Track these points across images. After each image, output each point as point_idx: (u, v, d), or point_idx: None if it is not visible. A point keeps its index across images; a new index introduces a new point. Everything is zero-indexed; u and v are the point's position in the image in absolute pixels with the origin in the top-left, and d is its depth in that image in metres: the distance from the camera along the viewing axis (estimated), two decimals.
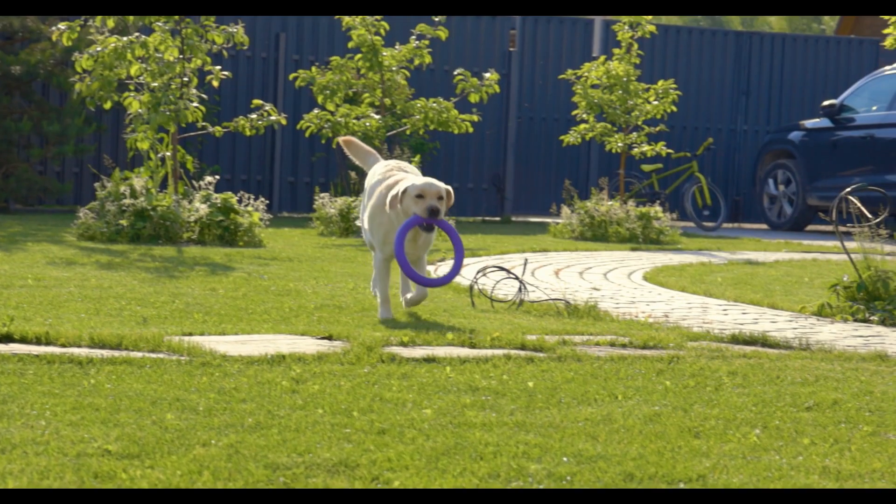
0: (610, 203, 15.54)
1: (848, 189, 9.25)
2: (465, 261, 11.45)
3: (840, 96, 19.42)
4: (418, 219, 7.26)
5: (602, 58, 16.52)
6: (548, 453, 4.40)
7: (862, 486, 4.16)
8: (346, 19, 14.96)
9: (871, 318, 8.41)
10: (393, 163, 7.92)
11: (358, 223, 7.12)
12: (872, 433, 4.96)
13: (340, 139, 8.46)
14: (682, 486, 4.09)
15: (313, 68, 15.20)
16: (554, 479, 4.08)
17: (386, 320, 7.28)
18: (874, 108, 18.66)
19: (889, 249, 9.20)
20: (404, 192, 7.34)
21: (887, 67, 18.98)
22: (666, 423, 4.98)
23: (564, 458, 4.34)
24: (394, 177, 7.62)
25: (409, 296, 7.66)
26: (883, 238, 9.17)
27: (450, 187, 7.46)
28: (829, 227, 16.97)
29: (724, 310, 8.78)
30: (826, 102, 19.19)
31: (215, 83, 13.21)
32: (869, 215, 9.38)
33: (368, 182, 7.85)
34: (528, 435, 4.66)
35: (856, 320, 8.42)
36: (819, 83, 21.89)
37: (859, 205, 9.44)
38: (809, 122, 19.54)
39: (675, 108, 16.60)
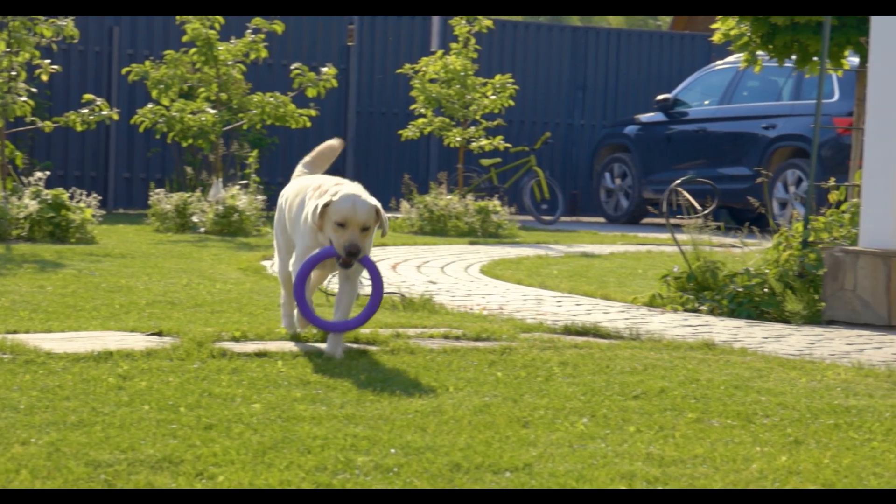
0: (449, 197, 15.59)
1: (677, 181, 9.42)
2: None
3: (673, 91, 19.75)
4: (331, 251, 5.94)
5: (440, 52, 16.58)
6: (376, 445, 4.39)
7: (684, 472, 4.22)
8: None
9: (701, 307, 8.56)
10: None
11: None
12: (697, 420, 5.04)
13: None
14: (508, 475, 4.11)
15: (147, 62, 14.99)
16: (381, 471, 4.07)
17: (291, 329, 6.58)
18: (706, 102, 19.02)
19: (718, 240, 9.37)
20: (325, 207, 5.94)
21: (719, 62, 19.35)
22: (495, 413, 5.00)
23: (392, 450, 4.33)
24: (315, 184, 6.24)
25: (326, 348, 6.11)
26: (712, 229, 9.35)
27: (378, 205, 6.01)
28: (678, 222, 17.30)
29: (559, 301, 8.87)
30: (660, 97, 19.51)
31: (45, 77, 12.95)
32: (698, 207, 9.55)
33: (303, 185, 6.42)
34: (358, 427, 4.65)
35: (685, 310, 8.57)
36: (654, 78, 22.23)
37: (689, 197, 9.61)
38: (644, 117, 19.84)
39: (512, 103, 16.71)
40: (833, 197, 9.07)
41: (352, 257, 5.85)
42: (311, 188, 6.22)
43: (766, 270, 8.60)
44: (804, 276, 8.43)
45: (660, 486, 4.03)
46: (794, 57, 11.05)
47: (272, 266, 6.92)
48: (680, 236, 9.21)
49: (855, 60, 11.70)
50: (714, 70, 19.22)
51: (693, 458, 4.42)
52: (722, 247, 9.38)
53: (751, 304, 8.39)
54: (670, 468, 4.26)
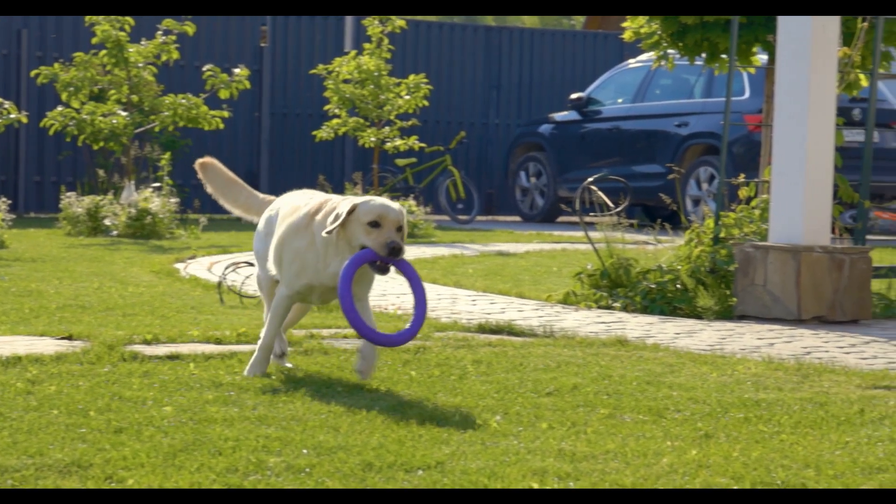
0: None
1: (589, 179, 9.47)
2: (217, 257, 11.32)
3: (587, 89, 19.86)
4: (371, 255, 5.32)
5: (353, 52, 16.54)
6: (288, 446, 4.38)
7: (595, 467, 4.24)
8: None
9: (614, 304, 8.61)
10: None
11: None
12: (609, 415, 5.07)
13: (199, 163, 6.35)
14: (420, 473, 4.11)
15: (56, 65, 14.82)
16: (293, 472, 4.06)
17: (259, 376, 5.59)
18: (620, 100, 19.14)
19: (631, 238, 9.43)
20: (350, 213, 5.39)
21: (631, 61, 19.48)
22: (409, 412, 5.00)
23: (304, 451, 4.32)
24: (319, 199, 5.69)
25: (358, 364, 5.54)
26: (625, 227, 9.41)
27: (403, 208, 5.59)
28: (592, 220, 17.41)
29: (473, 300, 8.88)
30: (573, 95, 19.60)
31: None
32: (611, 204, 9.61)
33: (276, 211, 5.91)
34: (270, 429, 4.63)
35: (599, 307, 8.62)
36: (568, 77, 22.33)
37: (601, 194, 9.66)
38: (559, 115, 19.93)
39: (427, 103, 16.71)
40: (743, 193, 9.15)
41: (395, 255, 5.31)
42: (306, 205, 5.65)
43: (679, 267, 8.66)
44: (716, 272, 8.51)
45: (571, 482, 4.04)
46: (704, 55, 11.14)
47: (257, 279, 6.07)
48: (594, 234, 9.26)
49: (764, 58, 11.82)
50: (627, 69, 19.35)
51: (605, 453, 4.44)
52: (636, 244, 9.44)
53: (663, 300, 8.45)
54: (582, 464, 4.28)
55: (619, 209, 9.48)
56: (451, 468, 4.17)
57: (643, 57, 18.57)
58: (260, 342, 5.68)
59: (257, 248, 5.98)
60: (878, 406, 5.37)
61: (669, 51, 11.18)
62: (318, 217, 5.56)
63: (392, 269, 5.45)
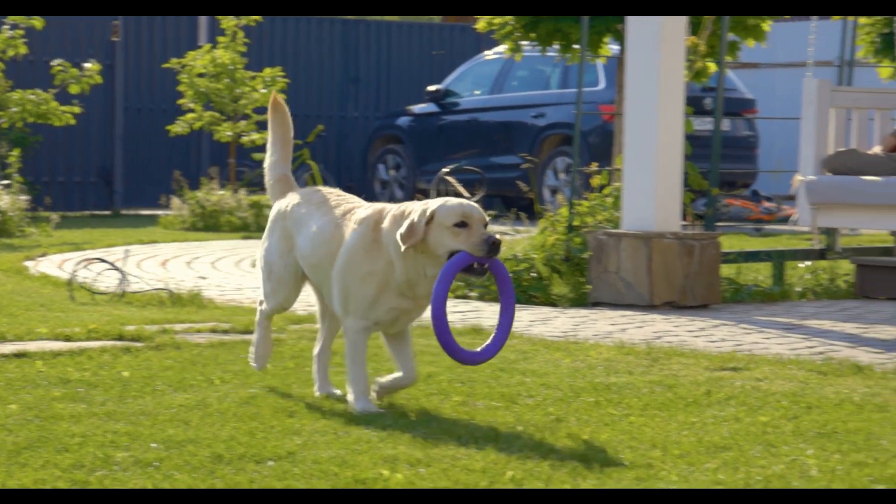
0: (221, 193, 15.44)
1: (444, 170, 9.51)
2: (69, 255, 11.14)
3: (444, 81, 19.92)
4: (467, 258, 4.73)
5: (207, 46, 16.40)
6: (137, 441, 4.33)
7: (447, 453, 4.26)
8: None
9: (470, 294, 8.65)
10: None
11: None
12: (462, 403, 5.10)
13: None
14: (271, 463, 4.09)
15: None
16: (141, 466, 4.01)
17: (368, 412, 4.89)
18: (477, 92, 19.22)
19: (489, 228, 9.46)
20: (431, 218, 4.78)
21: (488, 52, 19.58)
22: (261, 404, 4.98)
23: (153, 445, 4.27)
24: (349, 203, 5.13)
25: (390, 379, 5.09)
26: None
27: None
28: None
29: None
30: (431, 88, 19.64)
31: None
32: (467, 194, 9.66)
33: (289, 213, 5.25)
34: (119, 424, 4.57)
35: (455, 297, 8.65)
36: (426, 69, 22.37)
37: (457, 185, 9.71)
38: (417, 108, 19.96)
39: (284, 96, 16.58)
40: (596, 181, 9.25)
41: (495, 252, 4.73)
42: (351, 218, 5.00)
43: (534, 255, 8.73)
44: (570, 260, 8.59)
45: (422, 468, 4.05)
46: (557, 45, 11.25)
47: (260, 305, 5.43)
48: None
49: (616, 48, 11.96)
50: (484, 60, 19.44)
51: (456, 439, 4.46)
52: (502, 234, 9.48)
53: (519, 288, 8.50)
54: (433, 450, 4.30)
55: (475, 199, 9.53)
56: (302, 458, 4.15)
57: (499, 48, 18.66)
58: (353, 392, 4.93)
59: (274, 262, 5.26)
60: (725, 387, 5.47)
61: (522, 42, 11.27)
62: (386, 227, 4.87)
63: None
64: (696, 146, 10.22)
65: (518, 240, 9.31)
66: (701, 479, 3.97)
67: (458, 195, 9.55)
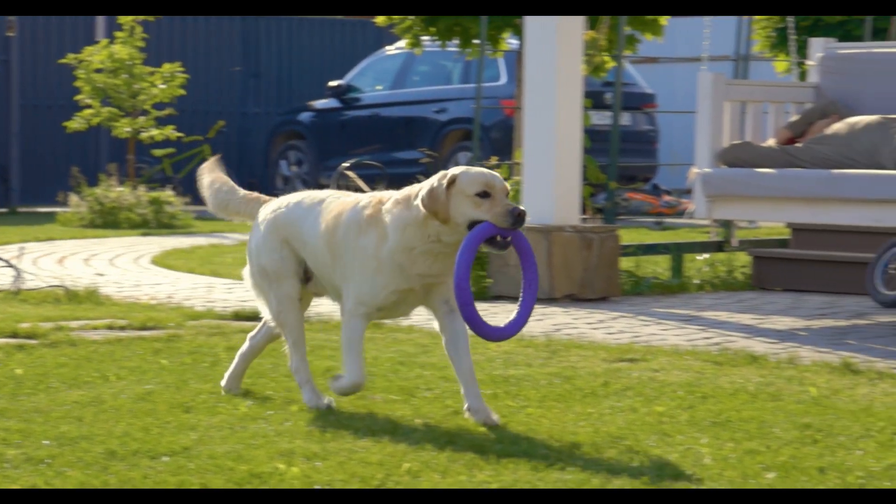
0: (120, 189, 15.28)
1: (344, 165, 9.48)
2: None
3: (346, 76, 19.87)
4: (491, 228, 4.48)
5: (105, 41, 16.22)
6: (29, 438, 4.27)
7: (343, 446, 4.25)
8: None
9: None
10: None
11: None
12: (360, 396, 5.08)
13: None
14: (165, 459, 4.06)
15: None
16: (32, 463, 3.96)
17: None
18: (379, 87, 19.20)
19: None
20: (451, 183, 4.52)
21: (389, 47, 19.55)
22: (157, 400, 4.94)
23: (45, 441, 4.22)
24: (348, 194, 4.88)
25: (471, 404, 4.67)
26: None
27: None
28: None
29: (230, 289, 8.81)
30: (332, 83, 19.59)
31: None
32: (366, 189, 9.64)
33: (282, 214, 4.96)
34: (10, 421, 4.51)
35: None
36: (328, 64, 22.30)
37: (358, 179, 9.70)
38: (319, 103, 19.88)
39: (184, 92, 16.48)
40: None
41: (520, 223, 4.46)
42: (351, 203, 4.76)
43: None
44: None
45: (319, 462, 4.04)
46: (457, 40, 11.26)
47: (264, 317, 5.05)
48: None
49: (516, 42, 12.00)
50: (385, 55, 19.42)
51: (353, 432, 4.45)
52: None
53: None
54: (330, 444, 4.29)
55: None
56: (197, 453, 4.12)
57: (401, 43, 18.65)
58: (346, 384, 4.68)
59: (265, 265, 4.92)
60: (622, 378, 5.51)
61: (423, 36, 11.28)
62: (389, 205, 4.62)
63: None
64: (597, 140, 10.27)
65: None
66: (596, 469, 4.00)
67: (359, 191, 9.53)
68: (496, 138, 17.06)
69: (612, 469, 3.99)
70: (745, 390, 5.28)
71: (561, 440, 4.37)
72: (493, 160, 9.46)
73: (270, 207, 5.04)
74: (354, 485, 3.80)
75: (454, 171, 4.56)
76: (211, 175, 5.32)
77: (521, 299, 4.67)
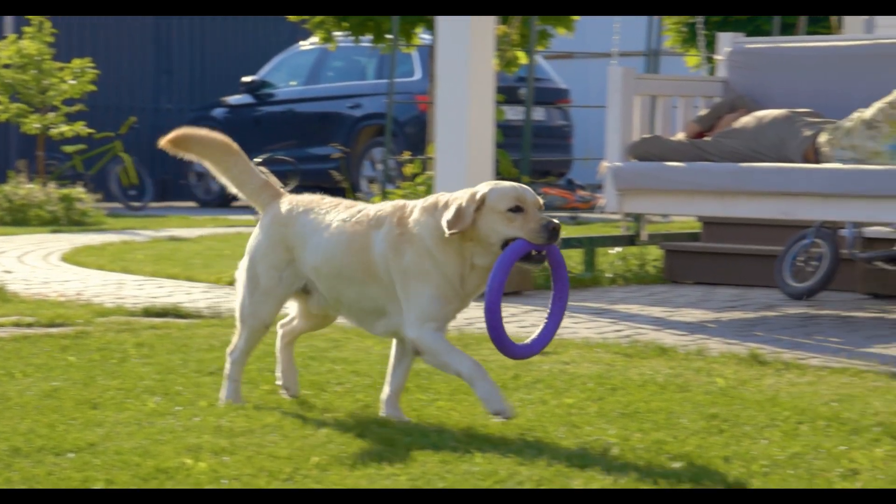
0: (30, 186, 15.10)
1: (256, 160, 9.42)
2: None
3: (260, 72, 19.77)
4: (525, 246, 4.36)
5: (13, 36, 16.02)
6: None
7: (251, 441, 4.22)
8: None
9: None
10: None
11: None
12: (270, 391, 5.07)
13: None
14: (70, 455, 4.01)
15: None
16: None
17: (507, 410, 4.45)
18: (293, 82, 19.13)
19: None
20: (481, 203, 4.39)
21: (303, 42, 19.49)
22: (64, 397, 4.88)
23: None
24: (357, 205, 4.71)
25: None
26: None
27: None
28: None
29: (140, 285, 8.74)
30: (246, 78, 19.49)
31: None
32: (280, 184, 9.60)
33: (299, 215, 4.79)
34: None
35: None
36: (241, 60, 22.19)
37: (269, 175, 9.63)
38: (232, 99, 19.77)
39: (94, 88, 16.33)
40: (408, 170, 9.28)
41: (555, 237, 4.34)
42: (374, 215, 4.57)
43: None
44: None
45: (226, 457, 4.02)
46: (370, 35, 11.25)
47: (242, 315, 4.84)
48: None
49: (430, 38, 12.00)
50: (299, 51, 19.35)
51: (262, 427, 4.43)
52: None
53: None
54: (239, 438, 4.26)
55: (288, 190, 9.48)
56: (103, 449, 4.09)
57: (315, 38, 18.60)
58: (469, 377, 4.41)
59: (260, 277, 4.74)
60: (533, 371, 5.53)
61: (336, 32, 11.25)
62: (417, 216, 4.47)
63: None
64: (511, 135, 10.32)
65: None
66: (505, 460, 4.01)
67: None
68: (411, 133, 17.07)
69: (521, 461, 4.00)
70: (654, 382, 5.32)
71: (470, 433, 4.37)
72: (406, 154, 9.46)
73: (280, 212, 4.83)
74: (262, 479, 3.78)
75: (483, 189, 4.40)
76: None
77: (549, 312, 4.50)
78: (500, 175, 9.06)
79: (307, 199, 4.83)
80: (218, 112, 19.70)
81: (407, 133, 17.06)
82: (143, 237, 13.02)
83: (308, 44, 19.15)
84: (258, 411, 4.69)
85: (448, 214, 4.36)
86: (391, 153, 9.04)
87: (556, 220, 4.33)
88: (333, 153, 17.61)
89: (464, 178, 8.35)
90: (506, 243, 4.37)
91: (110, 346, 6.04)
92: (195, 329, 6.59)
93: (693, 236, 9.43)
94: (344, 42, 13.58)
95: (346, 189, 11.16)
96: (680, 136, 7.72)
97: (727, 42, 8.12)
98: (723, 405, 4.87)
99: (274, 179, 5.08)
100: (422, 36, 11.49)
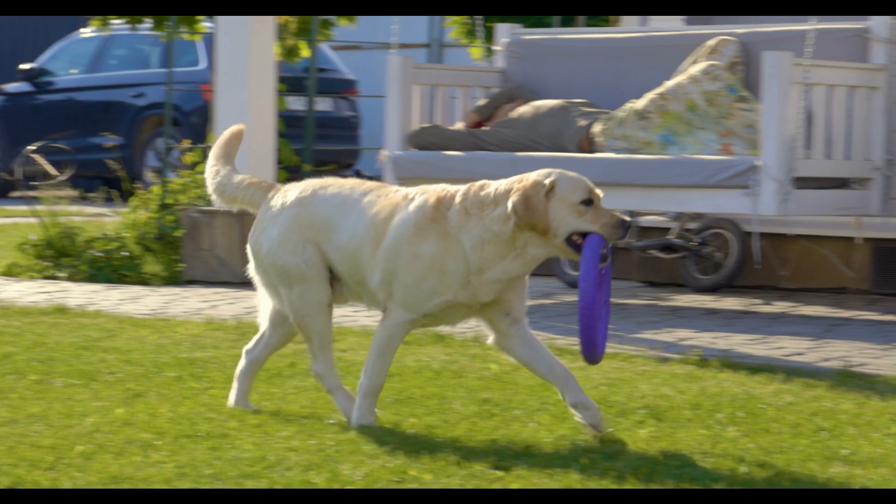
0: None
1: (29, 148, 9.23)
2: None
3: (39, 59, 19.32)
4: (602, 241, 4.11)
5: None
6: None
7: (15, 431, 4.13)
8: None
9: (59, 274, 8.44)
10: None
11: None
12: (38, 381, 4.97)
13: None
14: None
15: None
16: None
17: (369, 426, 4.27)
18: (74, 71, 18.73)
19: (91, 210, 9.29)
20: (550, 190, 4.10)
21: (84, 30, 19.10)
22: None
23: None
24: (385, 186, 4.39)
25: (588, 419, 4.25)
26: (71, 197, 9.25)
27: None
28: (36, 193, 16.95)
29: None
30: (23, 66, 19.01)
31: None
32: (55, 173, 9.41)
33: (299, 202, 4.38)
34: None
35: (43, 277, 8.42)
36: (18, 46, 21.66)
37: (45, 163, 9.44)
38: (10, 87, 19.26)
39: None
40: (189, 159, 9.18)
41: (627, 233, 4.14)
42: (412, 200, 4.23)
43: (126, 234, 8.60)
44: (163, 238, 8.49)
45: None
46: (149, 22, 11.05)
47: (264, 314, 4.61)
48: (40, 206, 9.08)
49: (211, 25, 11.87)
50: (80, 38, 18.96)
51: (27, 416, 4.34)
52: (93, 216, 9.31)
53: (110, 268, 8.35)
54: (3, 428, 4.16)
55: (61, 178, 9.30)
56: None
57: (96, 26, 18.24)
58: (364, 386, 4.26)
59: (285, 266, 4.37)
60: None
61: (112, 19, 11.03)
62: (458, 205, 4.16)
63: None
64: (297, 126, 10.26)
65: (114, 220, 9.15)
66: (275, 446, 3.99)
67: (46, 174, 9.29)
68: (196, 123, 16.86)
69: (291, 447, 3.99)
70: (429, 368, 5.36)
71: (242, 420, 4.35)
72: (186, 143, 9.35)
73: (288, 199, 4.40)
74: (22, 468, 3.70)
75: (551, 176, 4.11)
76: (213, 158, 4.66)
77: (599, 315, 4.17)
78: (282, 165, 9.01)
79: (313, 184, 4.44)
80: None
81: (192, 123, 16.86)
82: None
83: (89, 31, 18.77)
84: (23, 401, 4.59)
85: (515, 200, 4.05)
86: (172, 139, 8.92)
87: (626, 217, 4.12)
88: (114, 143, 17.34)
89: (245, 166, 8.26)
90: (571, 236, 4.10)
91: None
92: None
93: None
94: (123, 30, 13.34)
95: (121, 178, 10.96)
96: (459, 125, 7.79)
97: (505, 33, 8.21)
98: (496, 390, 4.93)
99: (255, 178, 4.62)
100: (205, 24, 11.34)
